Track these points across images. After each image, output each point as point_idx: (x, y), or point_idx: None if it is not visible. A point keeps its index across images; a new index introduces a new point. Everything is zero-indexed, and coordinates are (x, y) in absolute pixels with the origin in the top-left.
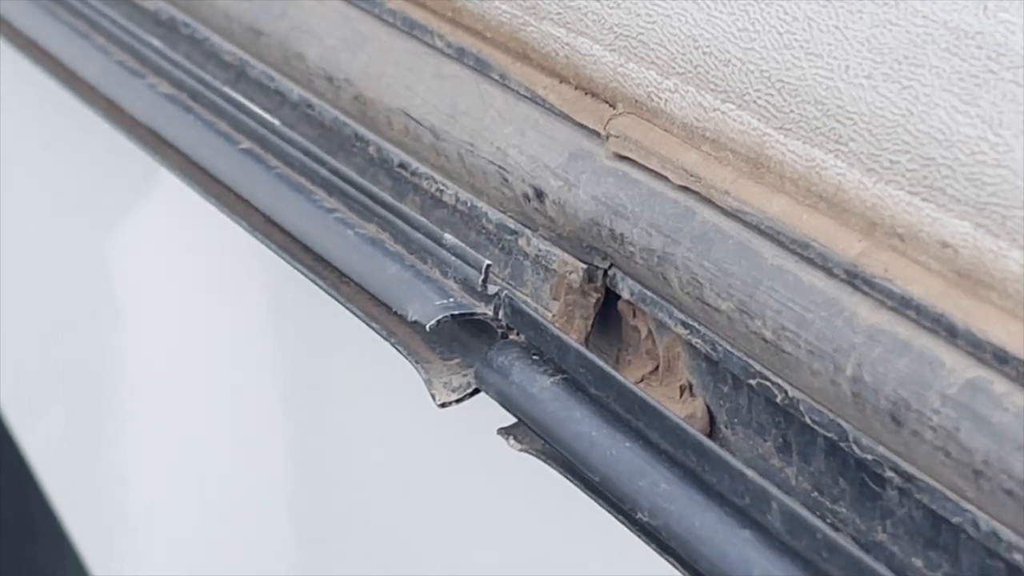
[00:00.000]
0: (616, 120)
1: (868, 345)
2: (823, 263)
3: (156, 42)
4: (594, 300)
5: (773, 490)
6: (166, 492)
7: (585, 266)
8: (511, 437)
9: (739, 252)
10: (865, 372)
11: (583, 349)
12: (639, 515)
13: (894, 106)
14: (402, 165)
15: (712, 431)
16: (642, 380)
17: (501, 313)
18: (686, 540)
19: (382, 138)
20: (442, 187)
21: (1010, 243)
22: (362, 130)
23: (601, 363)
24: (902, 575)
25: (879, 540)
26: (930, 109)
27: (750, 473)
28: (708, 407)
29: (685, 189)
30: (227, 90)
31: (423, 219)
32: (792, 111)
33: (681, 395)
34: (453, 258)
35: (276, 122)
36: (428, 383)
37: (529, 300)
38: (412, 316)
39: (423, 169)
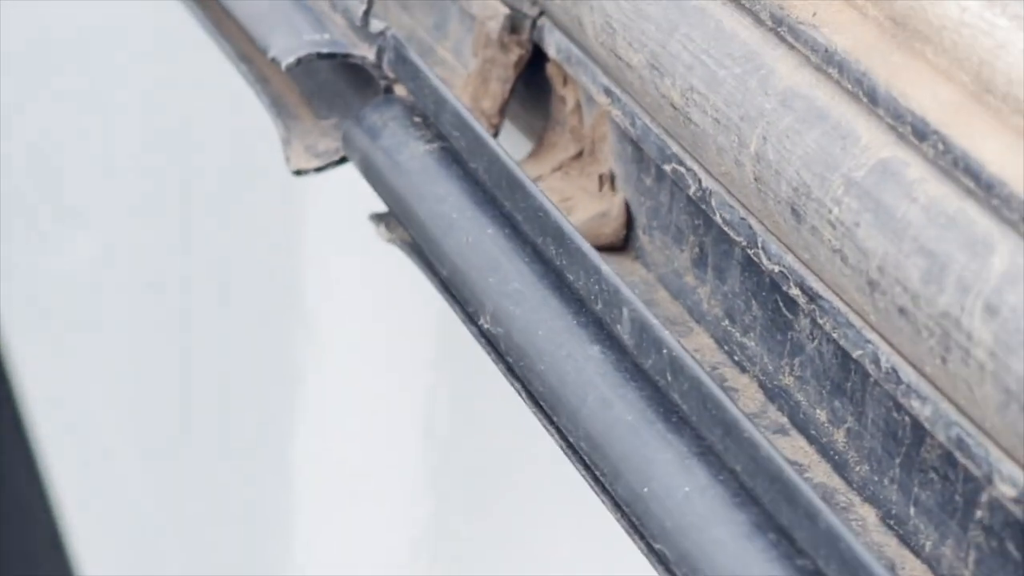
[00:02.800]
0: None
1: (778, 113)
2: (751, 5)
3: None
4: (515, 57)
5: (626, 291)
6: None
7: (508, 11)
8: (383, 224)
9: None
10: (770, 148)
11: (458, 105)
12: (481, 320)
13: None
14: None
15: (628, 237)
16: (561, 167)
17: (385, 60)
18: (525, 354)
19: None
20: None
21: None
22: None
23: (473, 123)
24: (804, 431)
25: (785, 385)
26: None
27: (605, 268)
28: (628, 206)
29: None
30: None
31: None
32: None
33: (600, 187)
34: None
35: None
36: (286, 143)
37: (449, 57)
38: (272, 52)
39: None
